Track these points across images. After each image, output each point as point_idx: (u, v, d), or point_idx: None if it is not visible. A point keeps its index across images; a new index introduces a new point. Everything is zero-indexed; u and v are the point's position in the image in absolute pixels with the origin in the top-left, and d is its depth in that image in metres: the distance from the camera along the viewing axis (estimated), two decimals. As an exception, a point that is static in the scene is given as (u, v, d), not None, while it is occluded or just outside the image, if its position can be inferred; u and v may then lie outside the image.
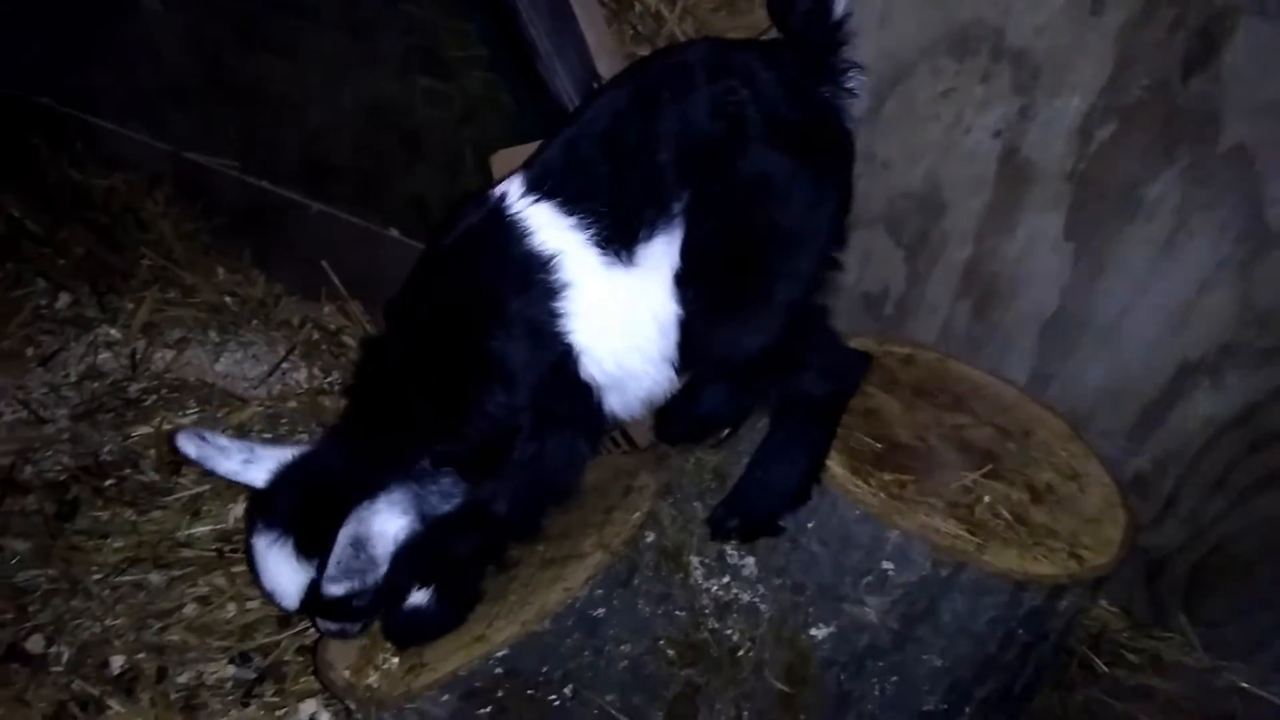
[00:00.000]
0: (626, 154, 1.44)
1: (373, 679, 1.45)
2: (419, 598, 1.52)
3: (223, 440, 1.54)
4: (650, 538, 1.51)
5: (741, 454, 1.57)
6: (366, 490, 1.44)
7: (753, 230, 1.45)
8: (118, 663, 1.76)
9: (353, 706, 1.45)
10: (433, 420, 1.46)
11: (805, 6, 1.49)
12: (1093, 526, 1.52)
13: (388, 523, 1.44)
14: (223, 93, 2.55)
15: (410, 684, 1.42)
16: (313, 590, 1.46)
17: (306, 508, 1.47)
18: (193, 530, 1.98)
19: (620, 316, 1.43)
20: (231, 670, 1.78)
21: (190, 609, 1.86)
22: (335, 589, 1.41)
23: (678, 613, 1.50)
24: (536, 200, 1.42)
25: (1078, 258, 1.98)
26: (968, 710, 1.54)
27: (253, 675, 1.78)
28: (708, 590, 1.52)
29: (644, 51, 2.27)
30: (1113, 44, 1.79)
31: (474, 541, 1.53)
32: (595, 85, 2.14)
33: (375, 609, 1.49)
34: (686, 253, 1.42)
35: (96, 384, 2.28)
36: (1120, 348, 1.95)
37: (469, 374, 1.44)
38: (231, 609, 1.87)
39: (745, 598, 1.52)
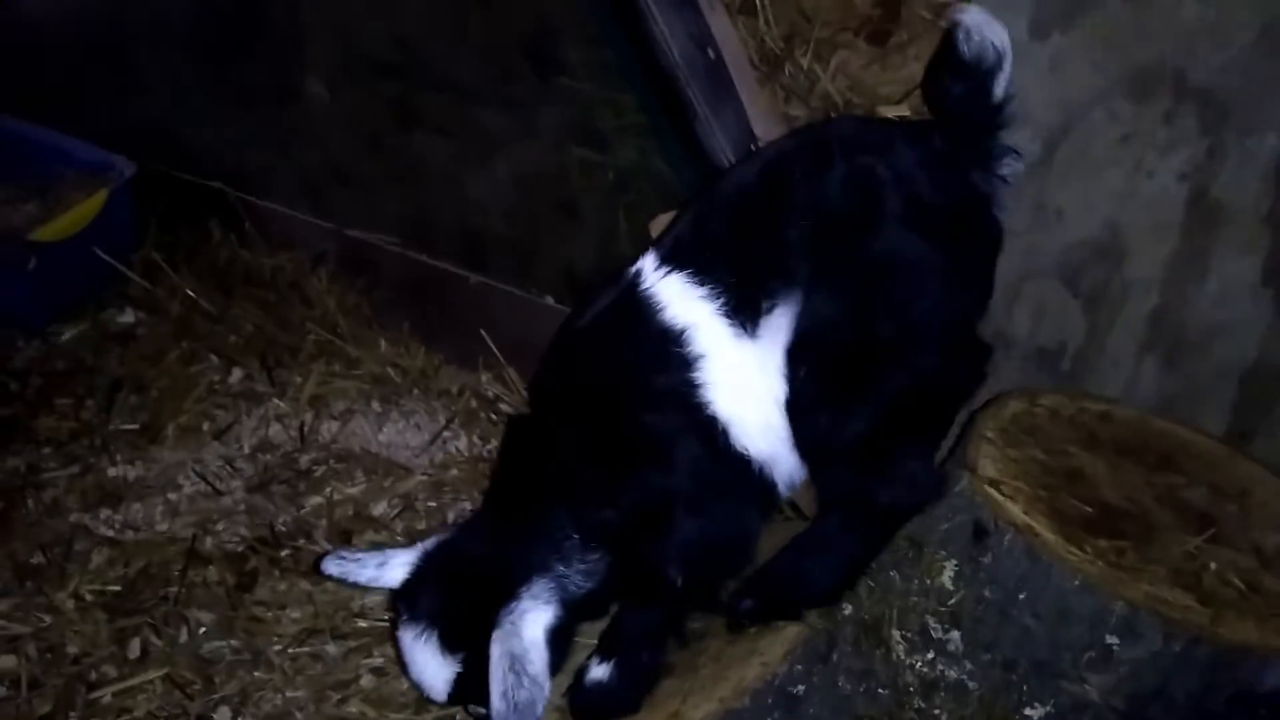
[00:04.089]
0: (754, 226, 1.43)
1: (564, 755, 1.42)
2: (600, 673, 1.49)
3: (358, 554, 1.58)
4: (847, 610, 1.44)
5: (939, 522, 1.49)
6: (510, 575, 1.44)
7: (873, 312, 1.39)
8: (301, 734, 1.77)
9: (544, 785, 1.41)
10: (583, 495, 1.46)
11: (961, 89, 1.43)
12: (1334, 593, 1.40)
13: (535, 625, 1.42)
14: (383, 172, 2.64)
15: (605, 762, 1.38)
16: (459, 683, 1.44)
17: (450, 598, 1.47)
18: (365, 600, 2.00)
19: (752, 390, 1.41)
20: (411, 743, 1.77)
21: (367, 680, 1.87)
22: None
23: (880, 690, 1.43)
24: (668, 274, 1.42)
25: (1279, 303, 1.86)
26: (1200, 799, 1.41)
27: (431, 749, 1.77)
28: (911, 666, 1.44)
29: (798, 111, 2.26)
30: (1313, 78, 1.70)
31: (653, 614, 1.49)
32: (753, 147, 2.13)
33: None
34: (800, 328, 1.38)
35: (268, 456, 2.34)
36: (1332, 398, 1.82)
37: (617, 447, 1.45)
38: (405, 681, 1.86)
39: (952, 675, 1.43)
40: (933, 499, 1.47)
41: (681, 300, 1.40)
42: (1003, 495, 1.44)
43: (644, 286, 1.43)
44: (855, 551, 1.48)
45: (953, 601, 1.44)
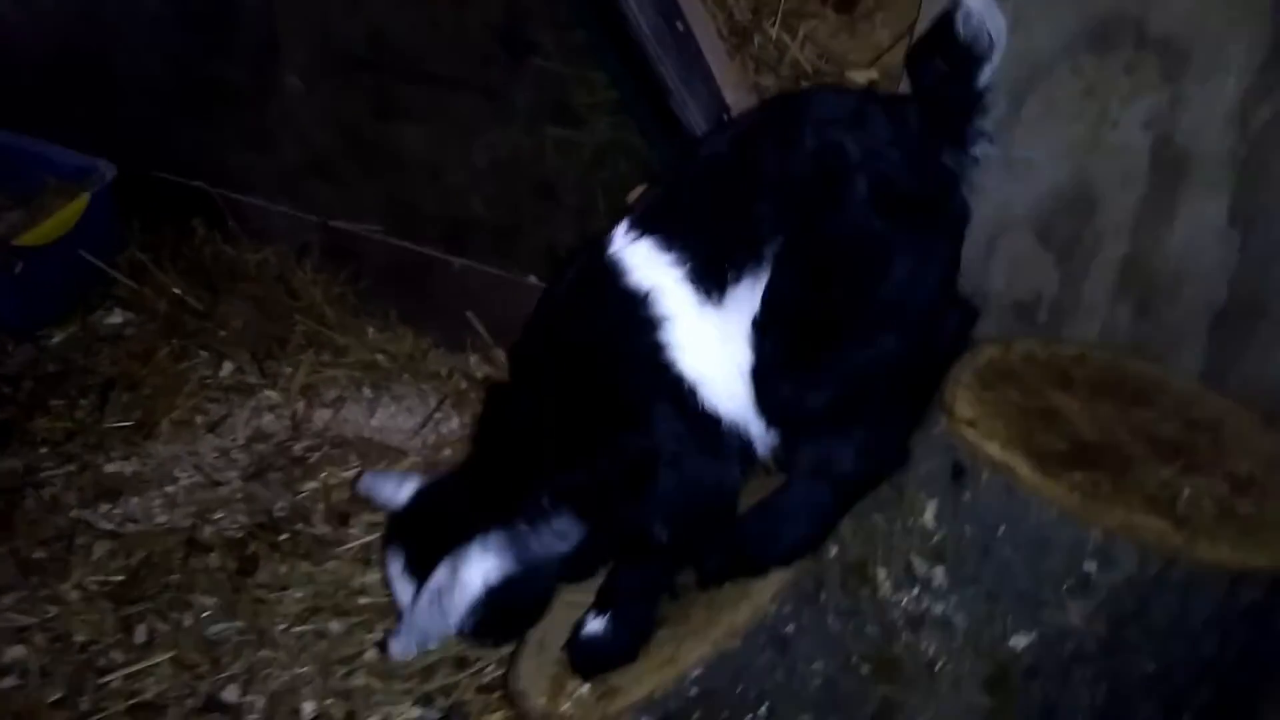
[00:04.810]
0: (723, 197, 1.45)
1: (566, 707, 1.45)
2: (596, 626, 1.53)
3: (388, 474, 1.74)
4: (833, 551, 1.48)
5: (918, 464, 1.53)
6: (472, 525, 1.52)
7: (836, 290, 1.42)
8: (309, 709, 1.81)
9: (549, 735, 1.45)
10: (556, 456, 1.50)
11: (948, 68, 1.44)
12: (1306, 514, 1.44)
13: (474, 571, 1.50)
14: (363, 162, 2.67)
15: (605, 710, 1.41)
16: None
17: (421, 531, 1.59)
18: (365, 578, 2.03)
19: (717, 355, 1.44)
20: (417, 712, 1.81)
21: (371, 654, 1.90)
22: (398, 646, 1.50)
23: (869, 628, 1.46)
24: (637, 240, 1.45)
25: (1246, 245, 1.90)
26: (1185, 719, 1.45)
27: (437, 715, 1.81)
28: (898, 604, 1.48)
29: (769, 81, 2.30)
30: (1268, 21, 1.73)
31: (645, 570, 1.53)
32: (725, 117, 2.17)
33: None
34: (767, 300, 1.41)
35: (263, 445, 2.38)
36: (1302, 334, 1.86)
37: (588, 409, 1.49)
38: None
39: (938, 609, 1.47)
40: (893, 471, 1.51)
41: (648, 265, 1.43)
42: (980, 435, 1.48)
43: (613, 252, 1.46)
44: (817, 516, 1.51)
45: (935, 540, 1.47)
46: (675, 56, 2.13)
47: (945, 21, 1.43)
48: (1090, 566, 1.38)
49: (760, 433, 1.51)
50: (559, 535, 1.52)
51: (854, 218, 1.41)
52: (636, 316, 1.43)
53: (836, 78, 2.26)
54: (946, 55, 1.43)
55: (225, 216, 2.84)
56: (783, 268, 1.41)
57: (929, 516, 1.50)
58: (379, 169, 2.66)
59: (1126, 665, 1.41)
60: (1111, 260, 2.01)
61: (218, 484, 2.27)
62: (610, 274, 1.45)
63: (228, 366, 2.57)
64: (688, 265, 1.42)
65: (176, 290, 2.72)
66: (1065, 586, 1.40)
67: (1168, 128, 1.89)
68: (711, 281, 1.42)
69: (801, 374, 1.43)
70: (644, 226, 1.46)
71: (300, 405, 2.45)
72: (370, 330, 2.62)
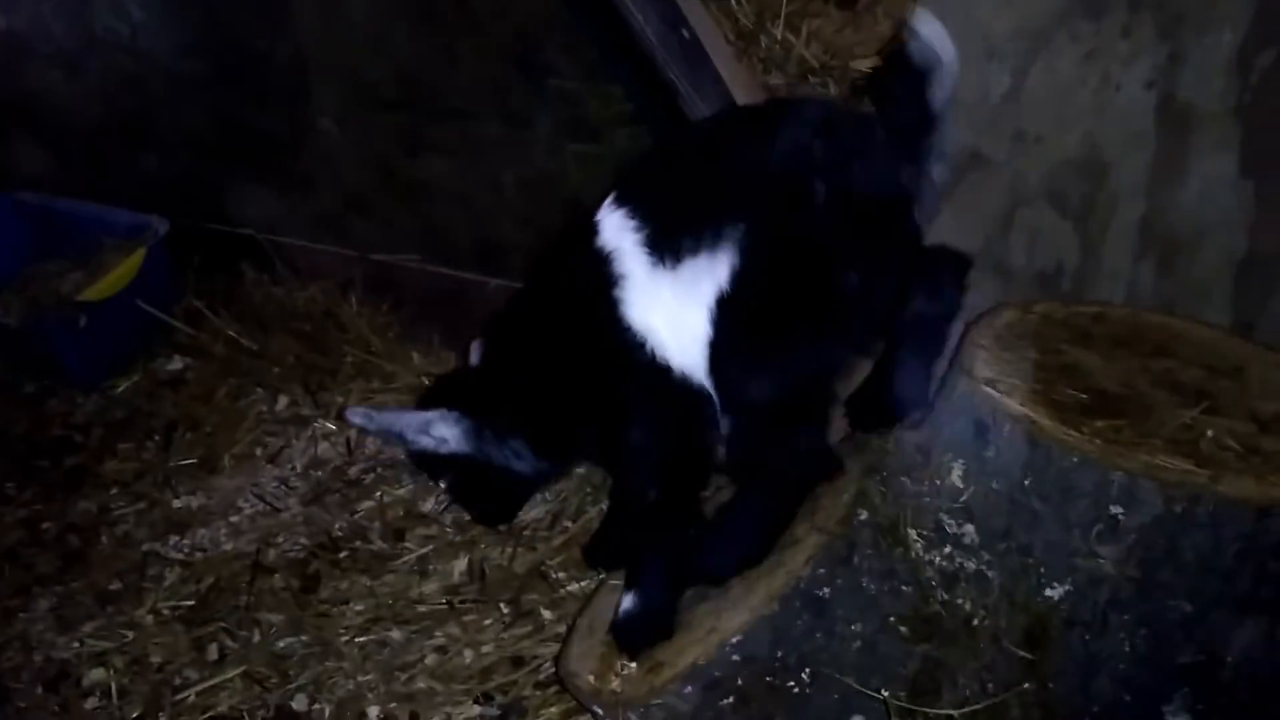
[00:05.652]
0: (695, 176, 1.55)
1: (615, 684, 1.50)
2: (628, 602, 1.60)
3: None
4: (863, 515, 1.52)
5: (941, 426, 1.57)
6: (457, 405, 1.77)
7: (788, 290, 1.49)
8: (374, 713, 1.87)
9: (600, 711, 1.50)
10: (512, 391, 1.71)
11: (903, 90, 1.52)
12: (1332, 446, 1.44)
13: (442, 428, 1.75)
14: (397, 196, 2.77)
15: (651, 683, 1.46)
16: None
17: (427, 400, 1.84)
18: (423, 588, 2.10)
19: (668, 314, 1.52)
20: (477, 710, 1.86)
21: (431, 659, 1.96)
22: (356, 415, 1.79)
23: (904, 588, 1.49)
24: (614, 206, 1.56)
25: (1260, 193, 1.91)
26: (1229, 660, 1.46)
27: (496, 713, 1.86)
28: (931, 562, 1.51)
29: (777, 80, 2.35)
30: (1259, -32, 1.76)
31: (650, 537, 1.62)
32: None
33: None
34: (734, 282, 1.48)
35: (320, 472, 2.47)
36: (1326, 276, 1.86)
37: (545, 355, 1.66)
38: (468, 655, 1.96)
39: (971, 566, 1.50)
40: (827, 477, 1.59)
41: (615, 229, 1.54)
42: (999, 392, 1.51)
43: (595, 217, 1.58)
44: (763, 523, 1.59)
45: (963, 498, 1.50)
46: (683, 62, 2.19)
47: (899, 46, 1.52)
48: (1117, 509, 1.40)
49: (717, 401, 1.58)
50: (515, 455, 1.73)
51: (810, 222, 1.49)
52: (599, 273, 1.54)
53: (842, 70, 2.31)
54: (902, 76, 1.51)
55: (272, 259, 2.96)
56: (745, 256, 1.48)
57: (956, 476, 1.53)
58: (412, 201, 2.76)
59: (1163, 608, 1.42)
60: (1129, 222, 2.03)
61: (279, 510, 2.37)
62: (587, 234, 1.57)
63: (283, 400, 2.68)
64: (646, 231, 1.52)
65: (231, 333, 2.84)
66: (1094, 532, 1.42)
67: (1170, 86, 1.91)
68: (666, 249, 1.51)
69: (748, 361, 1.52)
70: (622, 194, 1.58)
71: (353, 431, 2.54)
72: (415, 355, 2.71)
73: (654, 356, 1.53)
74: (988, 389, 1.52)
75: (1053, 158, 2.05)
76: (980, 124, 2.04)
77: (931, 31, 1.50)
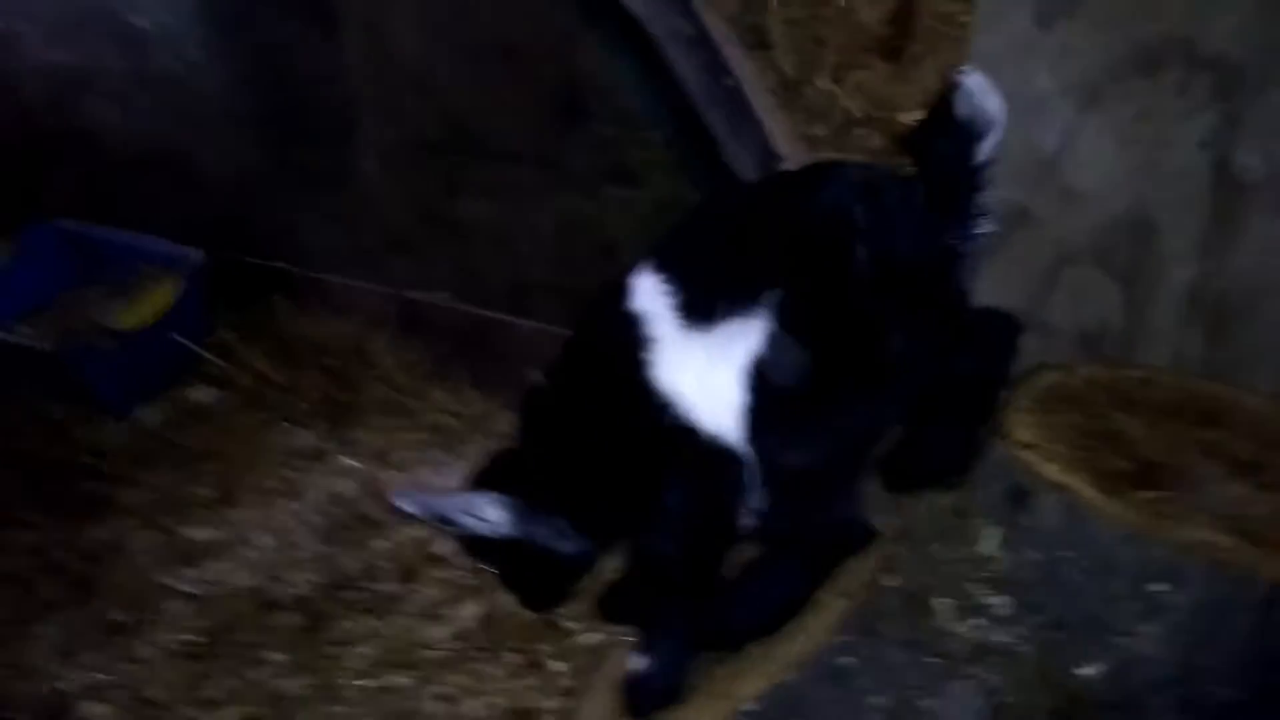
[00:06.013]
0: (731, 238, 1.50)
1: (622, 747, 1.43)
2: (637, 663, 1.54)
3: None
4: (891, 581, 1.44)
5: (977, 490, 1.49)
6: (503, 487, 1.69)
7: (829, 356, 1.43)
8: (372, 762, 1.81)
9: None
10: (550, 469, 1.65)
11: (948, 148, 1.46)
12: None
13: (489, 510, 1.66)
14: (434, 235, 2.76)
15: (659, 747, 1.38)
16: None
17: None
18: (432, 632, 2.05)
19: (699, 379, 1.47)
20: (480, 764, 1.79)
21: (436, 706, 1.90)
22: (404, 500, 1.71)
23: (929, 660, 1.41)
24: (647, 272, 1.52)
25: (1319, 259, 1.83)
26: (1280, 754, 1.35)
27: (500, 768, 1.78)
28: (959, 634, 1.42)
29: (819, 130, 2.32)
30: (1320, 27, 1.70)
31: (668, 600, 1.56)
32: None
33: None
34: (762, 350, 1.43)
35: (337, 509, 2.42)
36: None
37: (578, 428, 1.59)
38: (474, 704, 1.89)
39: (1001, 638, 1.41)
40: (862, 548, 1.53)
41: (647, 292, 1.50)
42: (1039, 458, 1.43)
43: (629, 279, 1.54)
44: (790, 590, 1.52)
45: (997, 566, 1.43)
46: (723, 110, 2.17)
47: (944, 102, 1.46)
48: (1159, 586, 1.32)
49: (751, 463, 1.50)
50: (558, 534, 1.65)
51: (853, 288, 1.43)
52: (628, 336, 1.49)
53: (887, 122, 2.27)
54: (946, 134, 1.45)
55: (305, 294, 2.95)
56: (780, 322, 1.43)
57: (990, 544, 1.45)
58: (449, 241, 2.74)
59: (1205, 694, 1.32)
60: (1178, 285, 1.96)
61: (293, 546, 2.32)
62: (619, 296, 1.53)
63: (306, 436, 2.65)
64: (680, 295, 1.47)
65: (260, 366, 2.83)
66: (1134, 610, 1.33)
67: (1225, 145, 1.85)
68: (700, 312, 1.46)
69: (788, 430, 1.45)
70: (658, 257, 1.53)
71: (373, 468, 2.50)
72: (441, 395, 2.67)
73: (681, 419, 1.48)
74: (1027, 454, 1.45)
75: (1101, 216, 1.99)
76: (1028, 180, 1.98)
77: (978, 85, 1.45)
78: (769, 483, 1.49)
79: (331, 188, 2.88)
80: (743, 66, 2.24)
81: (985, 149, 1.45)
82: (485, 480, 1.75)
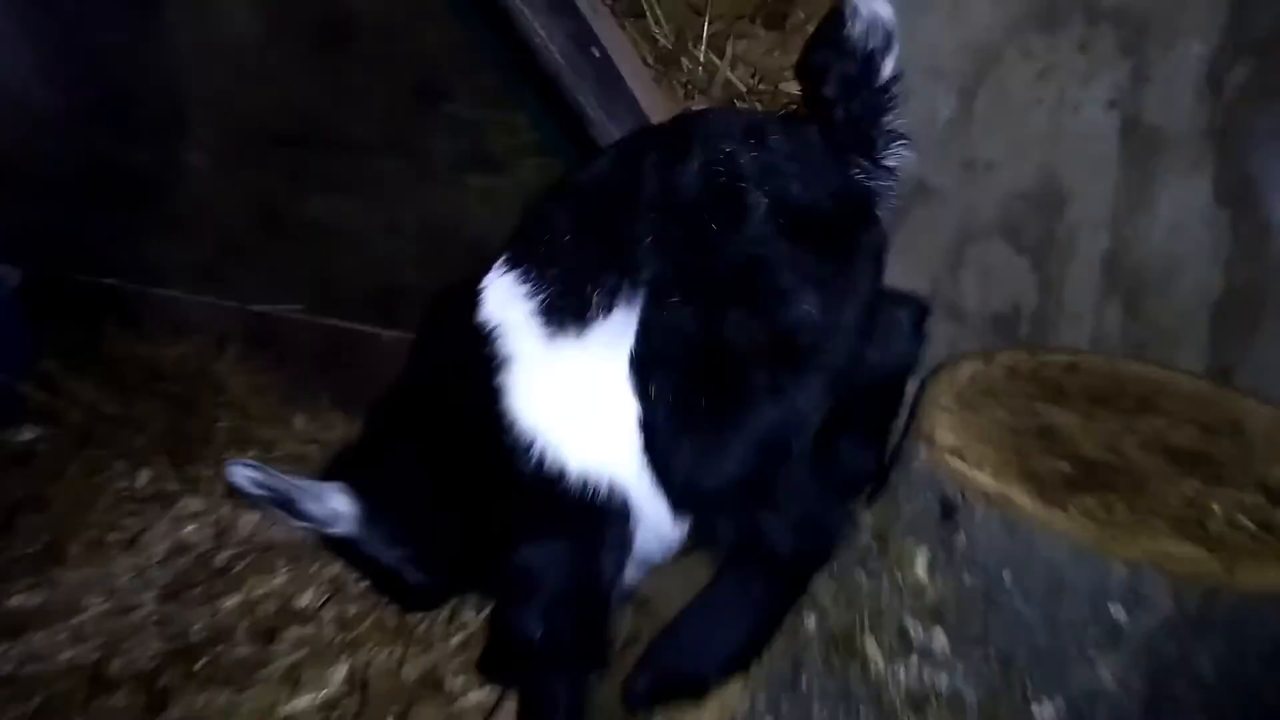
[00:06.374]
0: (597, 218, 1.26)
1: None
2: None
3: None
4: (811, 622, 1.25)
5: (899, 506, 1.31)
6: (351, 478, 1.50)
7: (734, 327, 1.20)
8: None
9: None
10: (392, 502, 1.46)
11: (847, 70, 1.28)
12: (1356, 521, 1.22)
13: (336, 500, 1.48)
14: (281, 239, 2.51)
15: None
16: None
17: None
18: (294, 703, 1.79)
19: (571, 402, 1.23)
20: None
21: (301, 791, 1.65)
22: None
23: (863, 712, 1.22)
24: (503, 271, 1.29)
25: (1236, 224, 1.71)
26: (1253, 785, 1.21)
27: None
28: (894, 679, 1.24)
29: (699, 104, 2.14)
30: (1228, -28, 1.57)
31: (541, 678, 1.35)
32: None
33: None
34: (646, 337, 1.20)
35: (183, 559, 2.15)
36: (1315, 314, 1.66)
37: (417, 466, 1.38)
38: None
39: (944, 681, 1.23)
40: (841, 538, 1.30)
41: (501, 298, 1.26)
42: (967, 464, 1.26)
43: (480, 284, 1.29)
44: (763, 608, 1.29)
45: (931, 596, 1.25)
46: (593, 84, 1.96)
47: (833, 22, 1.28)
48: (1117, 610, 1.15)
49: (646, 492, 1.27)
50: (404, 559, 1.48)
51: (752, 240, 1.21)
52: (477, 357, 1.25)
53: (772, 93, 2.09)
54: (842, 55, 1.28)
55: (139, 313, 2.66)
56: (666, 298, 1.20)
57: (920, 568, 1.27)
58: (297, 245, 2.49)
59: (1176, 726, 1.17)
60: (1092, 258, 1.82)
61: (130, 609, 2.03)
62: (466, 308, 1.29)
63: (145, 475, 2.35)
64: (541, 297, 1.23)
65: (90, 398, 2.51)
66: (1090, 638, 1.17)
67: (1134, 105, 1.72)
68: (568, 314, 1.22)
69: (702, 436, 1.20)
70: (510, 250, 1.30)
71: (224, 511, 2.22)
72: (299, 420, 2.40)
73: (543, 462, 1.23)
74: (953, 460, 1.27)
75: (1006, 187, 1.84)
76: (926, 151, 1.81)
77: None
78: (691, 507, 1.26)
79: (161, 191, 2.59)
80: (614, 36, 2.04)
81: (886, 64, 1.28)
82: (337, 470, 1.53)
